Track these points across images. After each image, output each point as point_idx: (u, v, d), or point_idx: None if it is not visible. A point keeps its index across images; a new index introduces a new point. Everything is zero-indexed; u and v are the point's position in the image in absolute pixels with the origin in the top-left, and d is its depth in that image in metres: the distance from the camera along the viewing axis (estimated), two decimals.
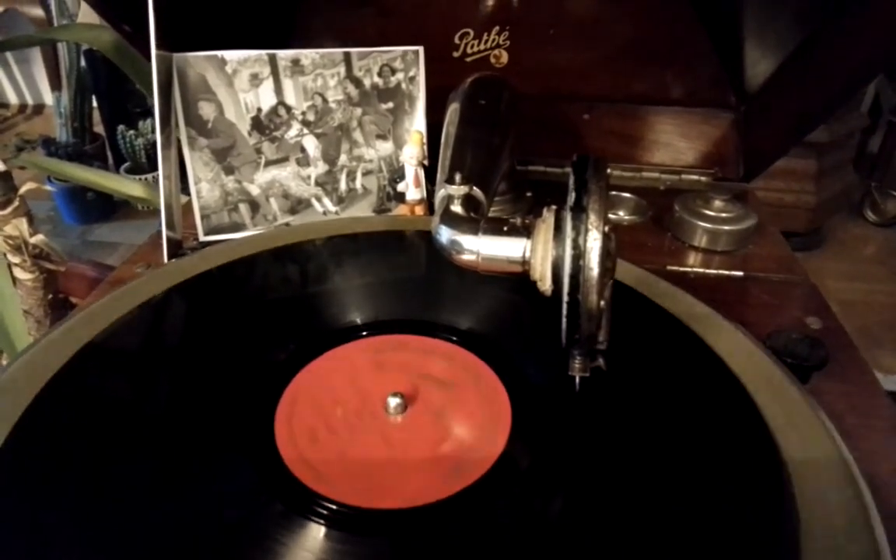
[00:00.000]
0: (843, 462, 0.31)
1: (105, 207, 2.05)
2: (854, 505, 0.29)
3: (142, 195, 0.95)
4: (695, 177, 0.65)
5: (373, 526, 0.29)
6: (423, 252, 0.50)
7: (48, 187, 1.91)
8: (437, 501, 0.29)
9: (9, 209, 0.96)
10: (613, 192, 0.63)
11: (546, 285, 0.32)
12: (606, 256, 0.30)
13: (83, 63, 1.95)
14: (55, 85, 2.20)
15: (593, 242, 0.29)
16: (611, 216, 0.60)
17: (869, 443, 0.38)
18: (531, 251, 0.33)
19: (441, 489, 0.30)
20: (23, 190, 1.03)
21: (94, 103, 2.07)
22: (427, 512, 0.29)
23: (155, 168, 1.90)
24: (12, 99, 2.79)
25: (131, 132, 1.94)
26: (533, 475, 0.32)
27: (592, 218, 0.29)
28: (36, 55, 2.55)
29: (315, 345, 0.39)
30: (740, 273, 0.52)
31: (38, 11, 2.10)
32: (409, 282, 0.48)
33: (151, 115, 1.91)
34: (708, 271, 0.53)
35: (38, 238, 1.05)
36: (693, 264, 0.54)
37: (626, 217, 0.60)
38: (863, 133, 2.11)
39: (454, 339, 0.40)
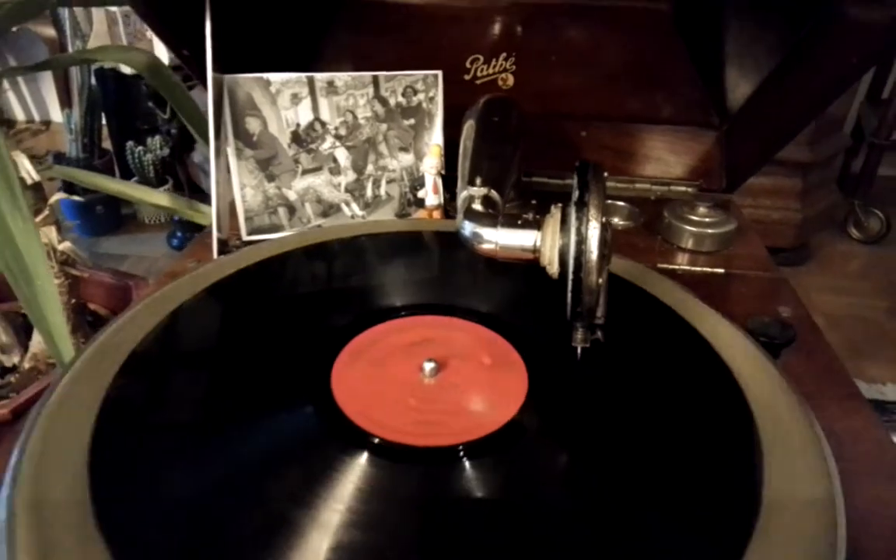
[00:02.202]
0: (805, 418, 0.38)
1: (112, 221, 2.11)
2: (812, 452, 0.35)
3: (166, 204, 1.02)
4: (682, 188, 0.73)
5: (410, 457, 0.35)
6: (440, 249, 0.57)
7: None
8: (463, 442, 0.36)
9: (39, 218, 1.02)
10: (609, 201, 0.70)
11: (554, 268, 0.39)
12: (604, 244, 0.36)
13: (94, 81, 2.02)
14: (65, 102, 2.26)
15: (593, 231, 0.36)
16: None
17: (827, 406, 0.44)
18: (541, 241, 0.40)
19: (465, 435, 0.36)
20: (52, 200, 1.09)
21: (103, 120, 2.13)
22: (454, 449, 0.35)
23: (162, 182, 1.96)
24: (19, 115, 2.85)
25: (140, 148, 2.00)
26: (546, 426, 0.39)
27: (592, 211, 0.36)
28: (44, 73, 2.62)
29: (360, 321, 0.46)
30: (722, 270, 0.59)
31: (50, 31, 2.16)
32: (428, 274, 0.55)
33: (160, 131, 1.99)
34: (694, 269, 0.60)
35: (66, 245, 1.12)
36: (681, 263, 0.61)
37: (621, 223, 0.67)
38: (846, 154, 2.19)
39: (474, 319, 0.47)
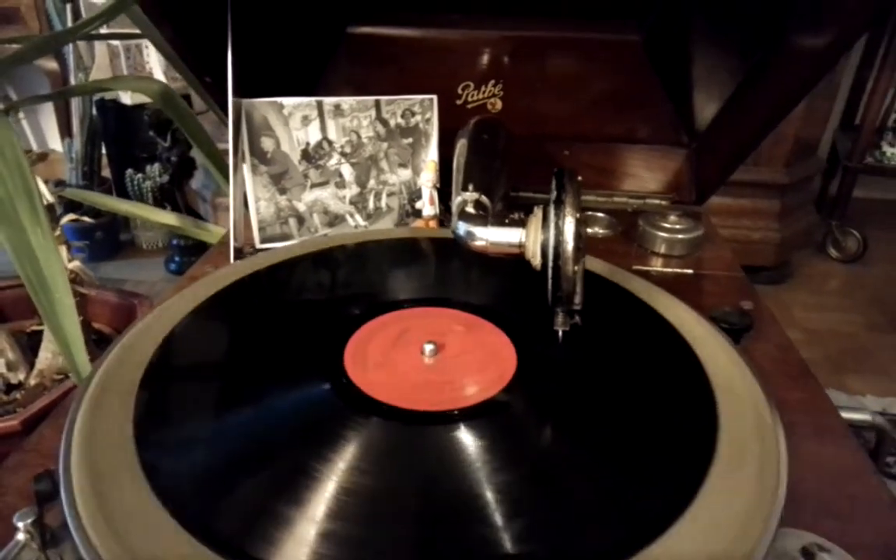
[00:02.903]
0: (756, 385, 0.44)
1: (111, 247, 2.16)
2: (762, 412, 0.41)
3: (174, 223, 1.07)
4: (657, 201, 0.79)
5: (410, 419, 0.41)
6: (436, 253, 0.63)
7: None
8: (456, 408, 0.41)
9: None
10: (590, 213, 0.76)
11: (537, 260, 0.45)
12: (579, 237, 0.43)
13: (95, 112, 2.08)
14: (65, 132, 2.32)
15: (569, 225, 0.42)
16: (588, 231, 0.74)
17: (782, 382, 0.50)
18: (526, 237, 0.46)
19: (455, 403, 0.42)
20: (64, 220, 1.14)
21: (103, 149, 2.19)
22: (448, 413, 0.41)
23: (161, 209, 2.01)
24: None
25: (139, 176, 2.06)
26: (533, 396, 0.45)
27: (568, 209, 0.42)
28: (43, 105, 2.68)
29: (368, 312, 0.52)
30: (691, 271, 0.66)
31: (53, 65, 2.23)
32: (428, 272, 0.61)
33: (159, 159, 2.05)
34: (666, 270, 0.66)
35: (75, 264, 1.17)
36: (654, 265, 0.67)
37: (601, 232, 0.74)
38: (824, 178, 2.29)
39: (467, 310, 0.53)
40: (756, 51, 0.62)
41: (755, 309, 0.59)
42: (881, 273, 2.05)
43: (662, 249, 0.69)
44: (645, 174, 0.81)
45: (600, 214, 0.76)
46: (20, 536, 0.33)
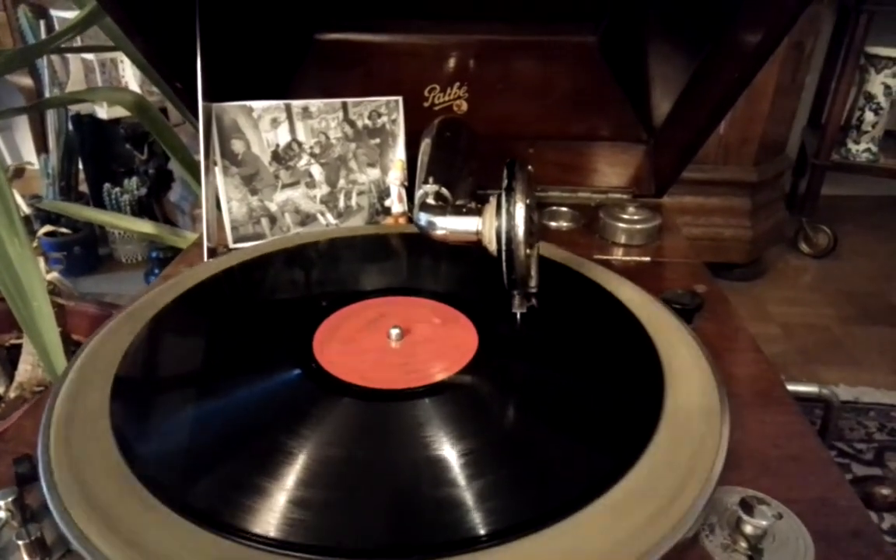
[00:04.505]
0: (700, 354, 0.46)
1: (90, 261, 2.15)
2: (705, 377, 0.44)
3: (152, 231, 1.09)
4: (618, 195, 0.82)
5: (375, 397, 0.43)
6: (405, 247, 0.66)
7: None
8: (419, 386, 0.44)
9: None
10: (553, 207, 0.79)
11: (493, 246, 0.48)
12: (531, 222, 0.45)
13: (70, 127, 2.08)
14: (41, 148, 2.31)
15: (519, 210, 0.45)
16: (552, 224, 0.77)
17: (733, 359, 0.53)
18: (482, 225, 0.48)
19: (420, 380, 0.44)
20: (40, 232, 1.15)
21: (80, 164, 2.19)
22: (413, 390, 0.43)
23: None
24: None
25: (117, 189, 2.06)
26: (492, 375, 0.47)
27: (518, 195, 0.45)
28: (19, 121, 2.67)
29: (336, 303, 0.54)
30: (649, 259, 0.69)
31: (27, 81, 2.22)
32: (395, 265, 0.63)
33: (136, 172, 2.05)
34: (626, 259, 0.69)
35: (53, 275, 1.17)
36: (615, 255, 0.70)
37: (565, 225, 0.77)
38: (794, 175, 2.34)
39: (434, 298, 0.55)
40: (702, 48, 0.65)
41: (709, 292, 0.62)
42: (851, 267, 2.10)
43: (622, 240, 0.72)
44: (606, 170, 0.84)
45: (564, 209, 0.79)
46: (1, 514, 0.34)
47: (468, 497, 0.35)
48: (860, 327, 1.77)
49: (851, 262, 2.12)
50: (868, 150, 2.05)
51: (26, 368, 1.18)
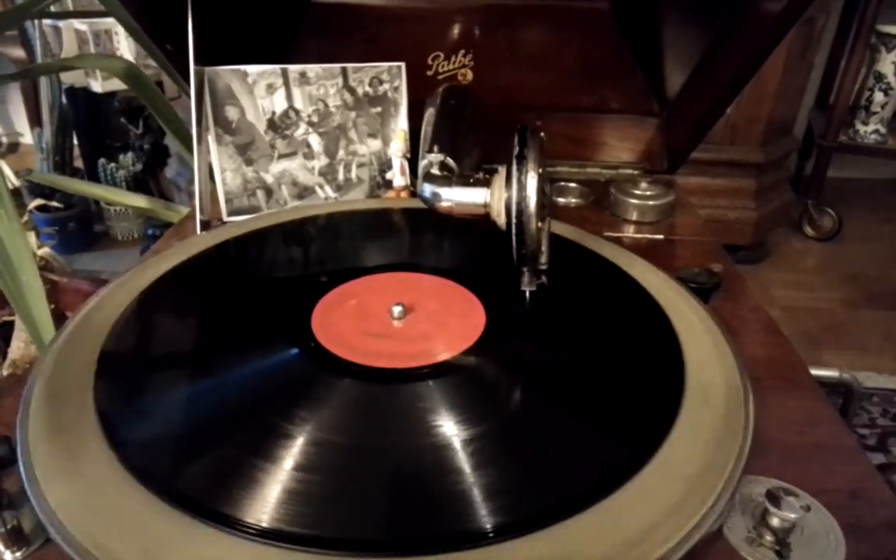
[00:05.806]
0: (725, 345, 0.44)
1: (86, 238, 2.11)
2: (732, 378, 0.41)
3: (146, 206, 1.06)
4: (629, 170, 0.79)
5: (376, 377, 0.40)
6: (408, 222, 0.63)
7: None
8: (419, 366, 0.41)
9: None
10: (562, 183, 0.76)
11: (502, 220, 0.45)
12: (542, 193, 0.42)
13: (64, 100, 2.04)
14: (34, 121, 2.27)
15: (531, 180, 0.42)
16: (560, 200, 0.74)
17: (751, 340, 0.51)
18: (490, 196, 0.45)
19: (423, 360, 0.42)
20: (31, 206, 1.12)
21: (75, 139, 2.15)
22: (414, 370, 0.41)
23: None
24: None
25: (112, 165, 2.02)
26: (499, 355, 0.44)
27: (530, 164, 0.42)
28: (12, 94, 2.62)
29: (336, 279, 0.51)
30: (662, 237, 0.66)
31: (19, 52, 2.18)
32: (397, 241, 0.60)
33: (132, 148, 2.01)
34: (638, 236, 0.67)
35: (45, 251, 1.14)
36: (626, 232, 0.68)
37: (574, 201, 0.74)
38: (799, 157, 2.31)
39: (438, 274, 0.53)
40: (721, 16, 0.62)
41: (724, 271, 0.60)
42: (856, 250, 2.07)
43: (634, 216, 0.69)
44: (617, 144, 0.81)
45: (573, 185, 0.76)
46: None
47: (475, 489, 0.33)
48: (865, 311, 1.75)
49: (856, 246, 2.10)
50: (876, 131, 2.01)
51: (18, 345, 1.16)
